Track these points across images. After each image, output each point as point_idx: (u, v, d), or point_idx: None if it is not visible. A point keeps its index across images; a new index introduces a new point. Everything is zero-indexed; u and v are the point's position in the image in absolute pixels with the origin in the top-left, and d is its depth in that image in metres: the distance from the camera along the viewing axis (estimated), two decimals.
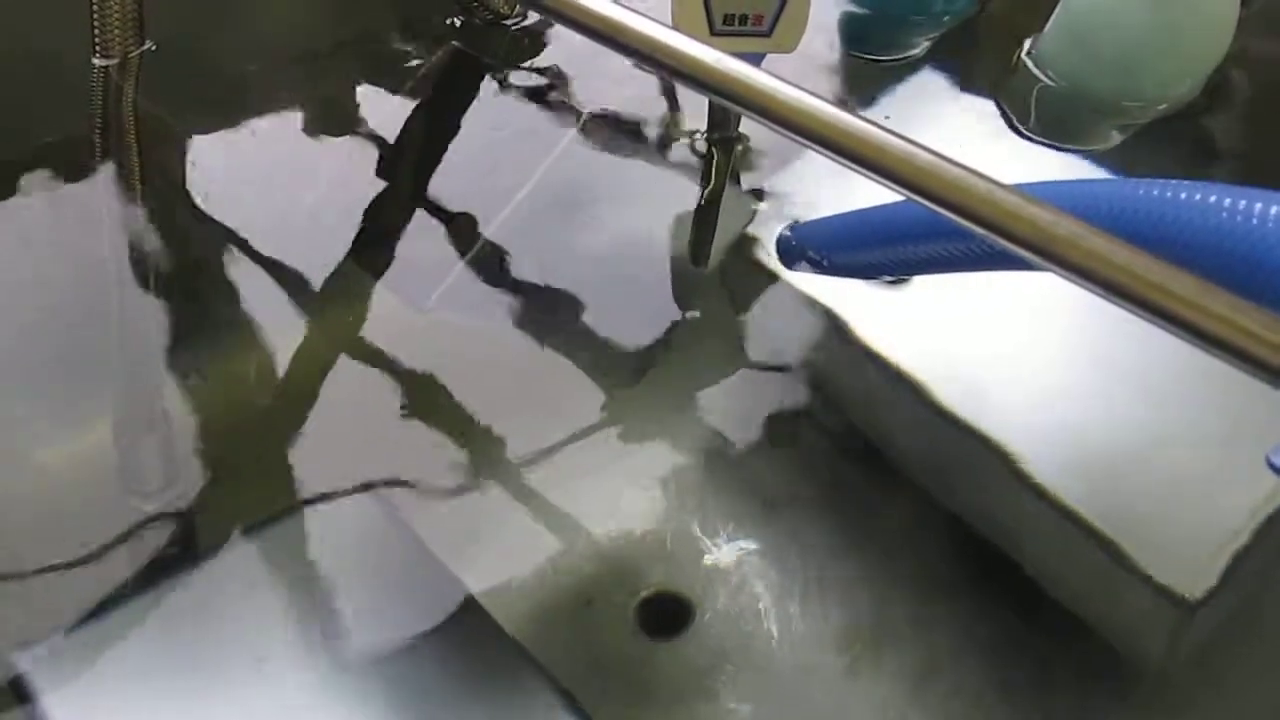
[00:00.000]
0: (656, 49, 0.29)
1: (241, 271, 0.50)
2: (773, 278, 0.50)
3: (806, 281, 0.50)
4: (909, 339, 0.48)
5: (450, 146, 0.57)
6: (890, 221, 0.43)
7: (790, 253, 0.51)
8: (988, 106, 0.59)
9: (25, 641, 0.37)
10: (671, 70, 0.29)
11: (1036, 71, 0.61)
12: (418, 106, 0.59)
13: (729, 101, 0.27)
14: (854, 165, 0.25)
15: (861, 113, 0.58)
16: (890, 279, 0.50)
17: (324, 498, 0.41)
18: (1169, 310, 0.21)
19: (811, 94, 0.26)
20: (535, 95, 0.59)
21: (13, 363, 0.46)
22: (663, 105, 0.58)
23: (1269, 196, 0.29)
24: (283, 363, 0.46)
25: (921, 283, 0.50)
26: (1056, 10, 0.60)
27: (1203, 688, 0.40)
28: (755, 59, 0.48)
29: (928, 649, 0.39)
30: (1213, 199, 0.29)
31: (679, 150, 0.56)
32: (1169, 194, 0.30)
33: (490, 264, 0.51)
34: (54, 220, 0.52)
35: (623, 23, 0.29)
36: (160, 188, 0.54)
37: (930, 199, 0.24)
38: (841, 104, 0.26)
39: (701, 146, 0.56)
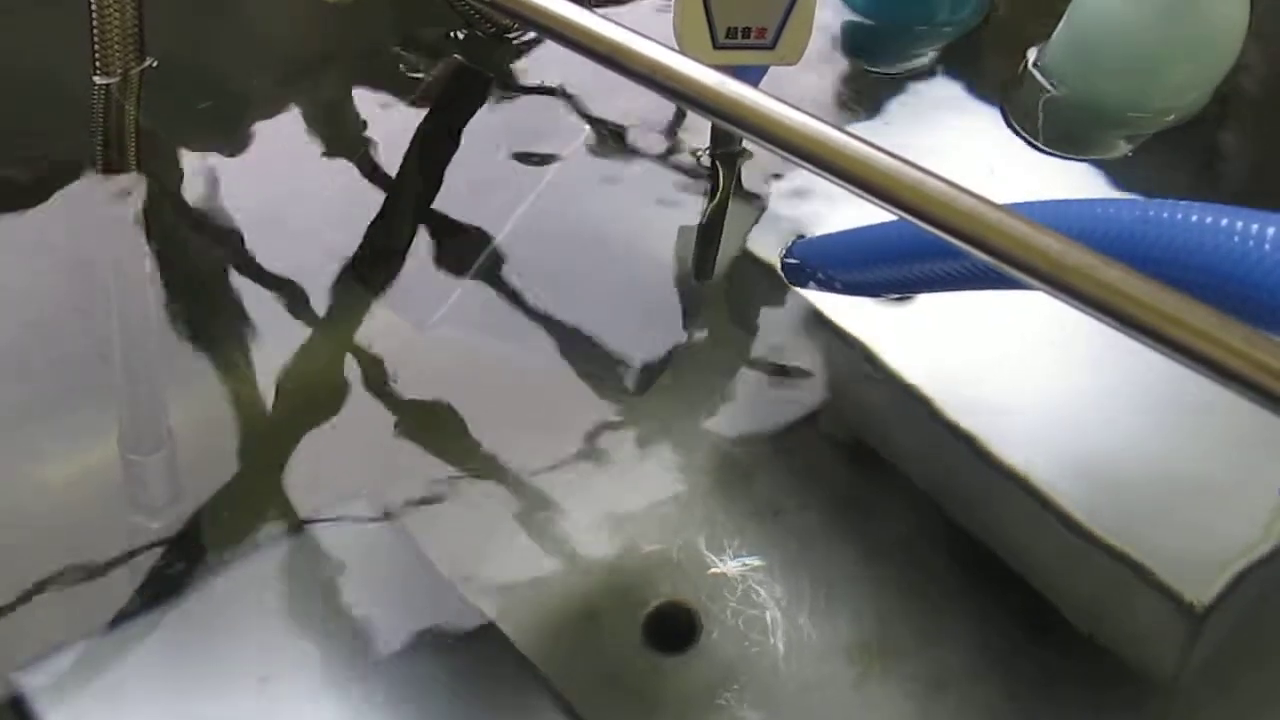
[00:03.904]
0: (657, 70, 0.29)
1: (243, 287, 0.49)
2: (777, 292, 0.50)
3: (811, 295, 0.50)
4: (915, 350, 0.48)
5: (452, 160, 0.57)
6: (894, 239, 0.43)
7: (794, 269, 0.51)
8: (994, 116, 0.59)
9: (26, 660, 0.37)
10: (672, 92, 0.29)
11: (1043, 81, 0.60)
12: (420, 120, 0.58)
13: (733, 126, 0.27)
14: (860, 191, 0.25)
15: (865, 123, 0.59)
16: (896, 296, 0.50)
17: (328, 514, 0.41)
18: (1182, 343, 0.21)
19: (816, 118, 0.26)
20: (538, 109, 0.59)
21: (14, 378, 0.46)
22: (666, 119, 0.58)
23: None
24: (285, 379, 0.46)
25: (927, 295, 0.50)
26: (1062, 20, 0.59)
27: (1213, 698, 0.40)
28: (758, 72, 0.48)
29: (936, 661, 0.38)
30: (1224, 222, 0.29)
31: (683, 164, 0.56)
32: (1179, 215, 0.30)
33: (493, 279, 0.50)
34: (55, 237, 0.52)
35: (624, 44, 0.29)
36: (161, 204, 0.54)
37: (939, 227, 0.24)
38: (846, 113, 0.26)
39: (705, 161, 0.56)
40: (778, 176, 0.55)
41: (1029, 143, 0.58)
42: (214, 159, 0.56)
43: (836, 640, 0.39)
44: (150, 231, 0.52)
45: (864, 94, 0.61)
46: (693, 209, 0.54)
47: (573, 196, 0.55)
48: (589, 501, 0.42)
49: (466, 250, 0.52)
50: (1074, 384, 0.48)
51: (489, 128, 0.58)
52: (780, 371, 0.48)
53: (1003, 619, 0.40)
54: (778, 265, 0.51)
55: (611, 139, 0.57)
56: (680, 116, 0.58)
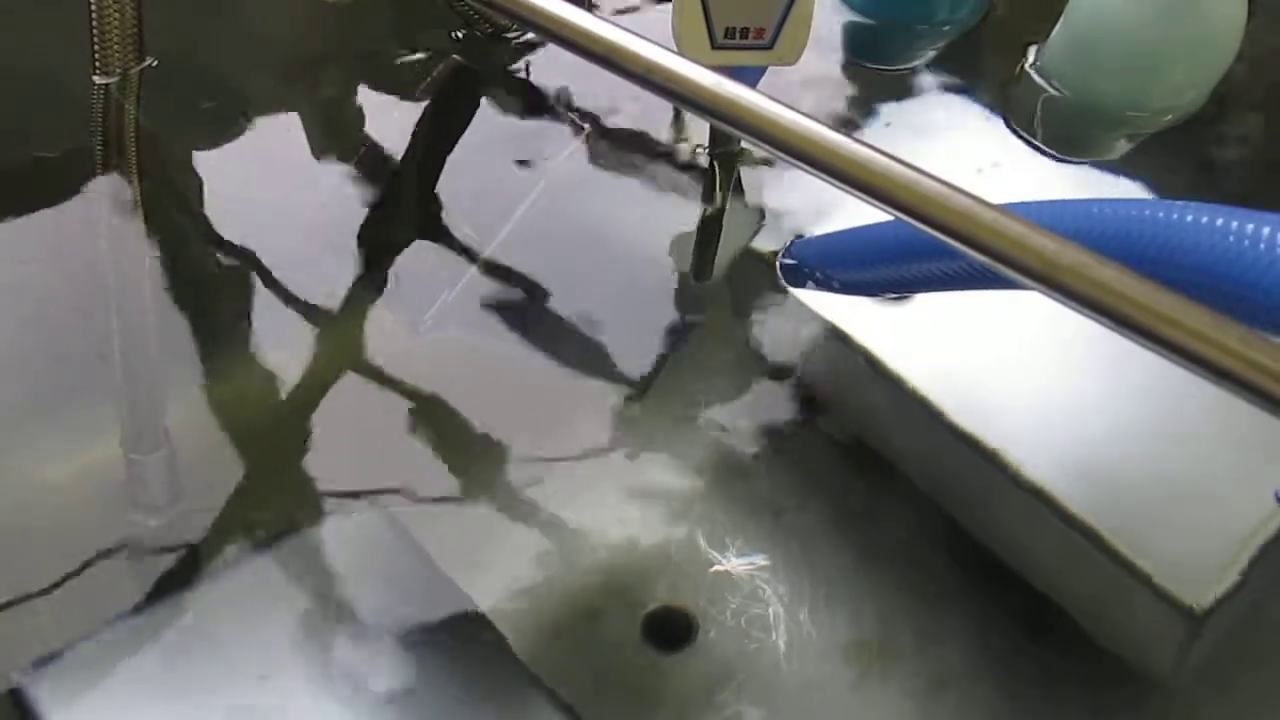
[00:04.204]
0: (654, 71, 0.29)
1: (243, 287, 0.49)
2: (776, 292, 0.50)
3: (810, 295, 0.50)
4: (915, 351, 0.48)
5: (451, 160, 0.57)
6: (891, 240, 0.43)
7: (792, 270, 0.51)
8: (992, 116, 0.59)
9: (27, 658, 0.37)
10: (669, 93, 0.29)
11: (1041, 81, 0.60)
12: (418, 120, 0.58)
13: (729, 126, 0.27)
14: (856, 191, 0.25)
15: (863, 123, 0.59)
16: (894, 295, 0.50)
17: (327, 514, 0.41)
18: (1178, 343, 0.21)
19: (812, 118, 0.26)
20: (537, 109, 0.59)
21: (15, 377, 0.46)
22: (665, 119, 0.58)
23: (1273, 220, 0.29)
24: (283, 379, 0.46)
25: (925, 294, 0.49)
26: (1060, 20, 0.59)
27: (1211, 698, 0.40)
28: (757, 72, 0.48)
29: (936, 661, 0.38)
30: (1219, 222, 0.29)
31: (681, 165, 0.56)
32: (1175, 215, 0.30)
33: (492, 279, 0.50)
34: (55, 236, 0.52)
35: (621, 45, 0.29)
36: (160, 204, 0.54)
37: (934, 227, 0.24)
38: (844, 119, 0.26)
39: (704, 161, 0.56)
40: (776, 175, 0.55)
41: (1027, 142, 0.58)
42: (213, 159, 0.56)
43: (836, 639, 0.39)
44: (150, 231, 0.52)
45: (862, 93, 0.61)
46: (691, 209, 0.54)
47: (571, 196, 0.55)
48: (588, 500, 0.42)
49: (465, 250, 0.52)
50: (1074, 384, 0.48)
51: (488, 127, 0.58)
52: (779, 371, 0.48)
53: (1002, 619, 0.40)
54: (776, 265, 0.51)
55: (610, 139, 0.57)
56: (679, 116, 0.58)
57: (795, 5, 0.45)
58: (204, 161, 0.55)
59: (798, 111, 0.26)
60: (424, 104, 0.59)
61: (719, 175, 0.54)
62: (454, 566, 0.40)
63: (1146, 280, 0.22)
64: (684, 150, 0.56)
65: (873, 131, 0.59)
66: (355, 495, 0.42)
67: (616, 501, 0.42)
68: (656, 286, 0.51)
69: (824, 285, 0.50)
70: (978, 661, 0.38)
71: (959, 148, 0.58)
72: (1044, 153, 0.57)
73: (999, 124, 0.59)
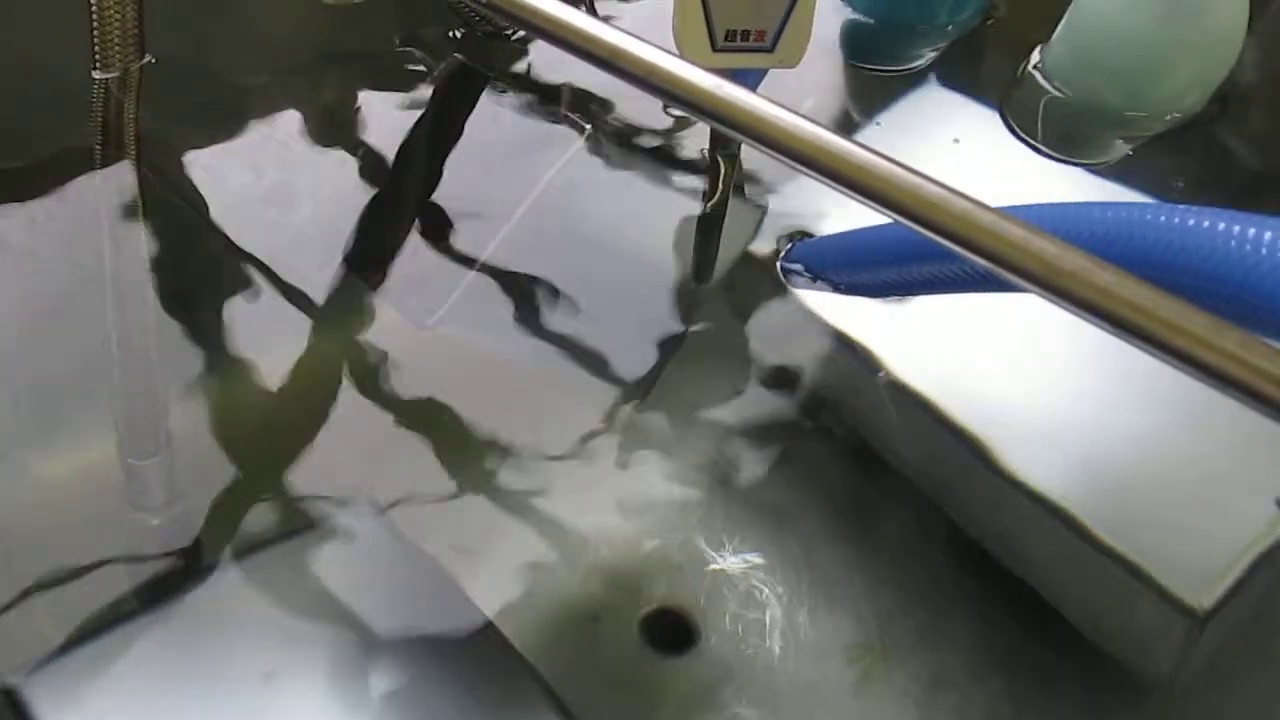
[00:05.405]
0: (654, 73, 0.29)
1: (243, 285, 0.49)
2: (777, 292, 0.50)
3: (810, 295, 0.50)
4: (916, 352, 0.48)
5: (452, 159, 0.57)
6: (893, 242, 0.43)
7: (793, 272, 0.51)
8: (993, 117, 0.59)
9: (26, 658, 0.37)
10: (669, 95, 0.29)
11: (1044, 83, 0.60)
12: (419, 119, 0.58)
13: (729, 129, 0.27)
14: (855, 195, 0.25)
15: (863, 123, 0.59)
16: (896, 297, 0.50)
17: (328, 513, 0.41)
18: (1177, 347, 0.21)
19: (812, 121, 0.26)
20: (538, 108, 0.59)
21: (14, 376, 0.46)
22: (666, 119, 0.58)
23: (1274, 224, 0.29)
24: (285, 377, 0.46)
25: (927, 296, 0.49)
26: (1063, 21, 0.59)
27: (1213, 701, 0.40)
28: (757, 75, 0.48)
29: (936, 663, 0.38)
30: (1221, 226, 0.29)
31: (683, 164, 0.56)
32: (1176, 220, 0.30)
33: (493, 279, 0.50)
34: (54, 233, 0.52)
35: (621, 47, 0.29)
36: (160, 200, 0.54)
37: (934, 230, 0.23)
38: (843, 117, 0.26)
39: (705, 160, 0.56)
40: (778, 176, 0.55)
41: (1028, 144, 0.58)
42: (214, 157, 0.56)
43: (837, 641, 0.39)
44: (149, 229, 0.52)
45: (863, 94, 0.61)
46: (692, 209, 0.54)
47: (572, 196, 0.55)
48: (589, 501, 0.42)
49: (466, 250, 0.52)
50: (1075, 386, 0.48)
51: (488, 126, 0.58)
52: (780, 372, 0.48)
53: (1003, 621, 0.40)
54: (777, 266, 0.51)
55: (611, 138, 0.57)
56: (680, 116, 0.58)
57: (796, 7, 0.45)
58: (205, 160, 0.55)
59: (798, 114, 0.26)
60: (425, 103, 0.59)
61: (720, 174, 0.54)
62: (455, 567, 0.40)
63: (1146, 284, 0.22)
64: (685, 150, 0.56)
65: (871, 133, 0.59)
66: (355, 496, 0.42)
67: (617, 502, 0.42)
68: (657, 286, 0.51)
69: (822, 284, 0.50)
70: (978, 663, 0.38)
71: (960, 149, 0.58)
72: (1045, 155, 0.57)
73: (999, 125, 0.59)
